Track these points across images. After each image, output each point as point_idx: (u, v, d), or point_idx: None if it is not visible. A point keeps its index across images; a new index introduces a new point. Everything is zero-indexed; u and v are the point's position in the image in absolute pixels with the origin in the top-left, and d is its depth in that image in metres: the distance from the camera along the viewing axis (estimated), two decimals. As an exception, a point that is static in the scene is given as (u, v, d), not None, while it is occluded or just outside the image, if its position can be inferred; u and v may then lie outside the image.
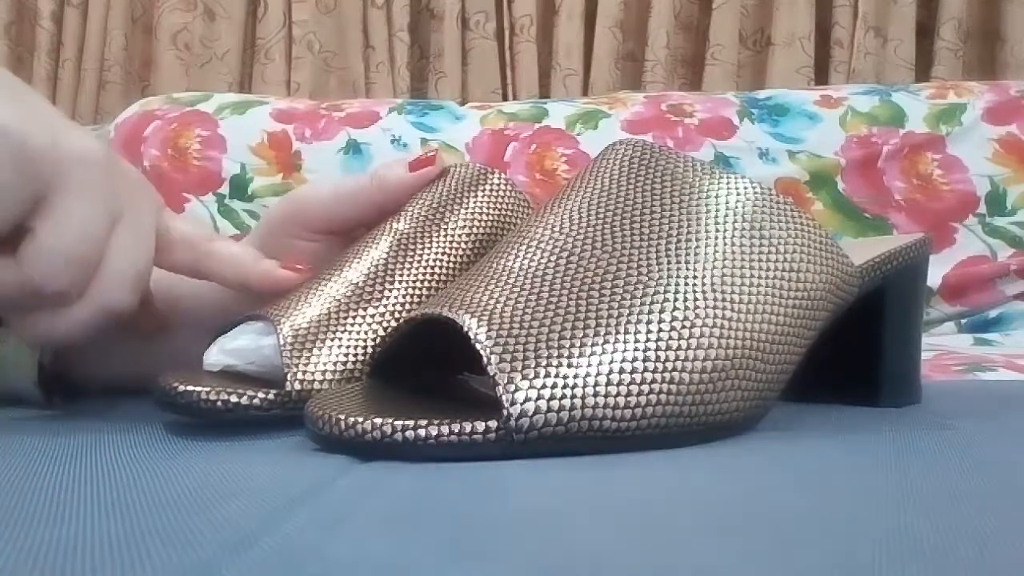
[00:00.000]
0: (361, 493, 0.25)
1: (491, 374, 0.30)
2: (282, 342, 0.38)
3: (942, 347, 0.91)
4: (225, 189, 1.23)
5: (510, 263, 0.35)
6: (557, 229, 0.36)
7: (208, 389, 0.36)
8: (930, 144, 1.18)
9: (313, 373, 0.38)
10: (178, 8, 1.64)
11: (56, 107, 0.39)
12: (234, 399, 0.36)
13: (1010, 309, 1.10)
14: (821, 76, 1.57)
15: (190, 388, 0.36)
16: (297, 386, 0.37)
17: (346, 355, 0.39)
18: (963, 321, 1.11)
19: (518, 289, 0.33)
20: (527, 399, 0.30)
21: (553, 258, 0.34)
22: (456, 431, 0.29)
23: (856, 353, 0.42)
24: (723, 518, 0.22)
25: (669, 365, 0.32)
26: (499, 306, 0.32)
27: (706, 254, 0.35)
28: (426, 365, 0.37)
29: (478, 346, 0.31)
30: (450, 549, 0.19)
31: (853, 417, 0.40)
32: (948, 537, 0.20)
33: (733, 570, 0.18)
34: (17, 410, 0.44)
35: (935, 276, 1.10)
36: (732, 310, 0.34)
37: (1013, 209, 1.15)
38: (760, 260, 0.35)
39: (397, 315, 0.40)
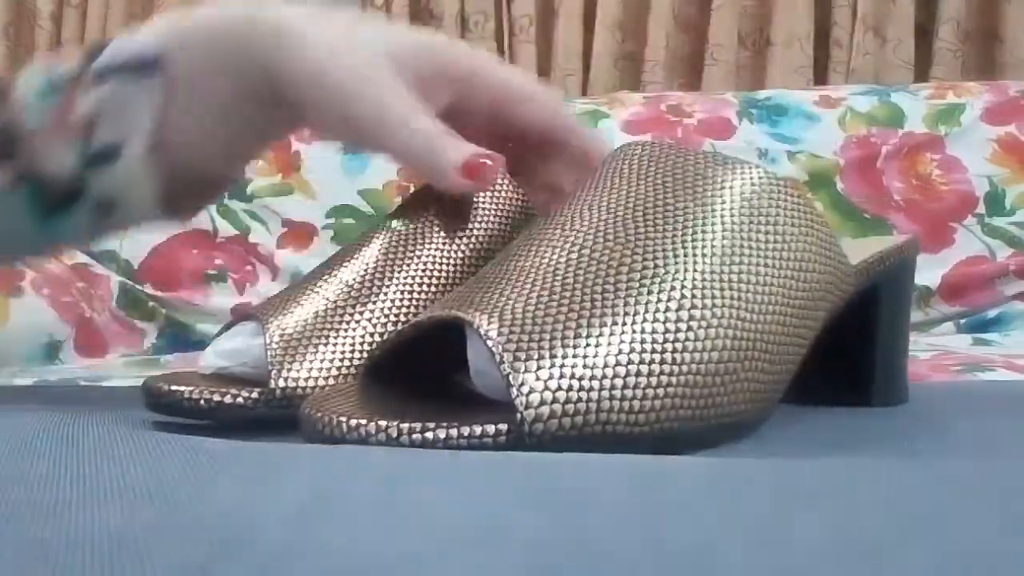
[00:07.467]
0: (359, 488, 0.25)
1: (504, 373, 0.30)
2: (268, 341, 0.38)
3: (941, 347, 0.91)
4: (225, 189, 1.23)
5: (520, 263, 0.34)
6: (567, 227, 0.35)
7: (191, 389, 0.37)
8: (929, 144, 1.18)
9: (299, 372, 0.38)
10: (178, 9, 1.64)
11: None
12: (216, 398, 0.37)
13: (1009, 309, 1.10)
14: (820, 76, 1.57)
15: (174, 388, 0.37)
16: (281, 383, 0.37)
17: (334, 355, 0.39)
18: (962, 321, 1.11)
19: (529, 286, 0.32)
20: (542, 402, 0.29)
21: (564, 254, 0.34)
22: (466, 434, 0.28)
23: (839, 358, 0.42)
24: (720, 516, 0.22)
25: (679, 357, 0.31)
26: (510, 303, 0.32)
27: (722, 247, 0.34)
28: (420, 368, 0.37)
29: (489, 343, 0.30)
30: (451, 540, 0.19)
31: (850, 419, 0.40)
32: (946, 536, 0.21)
33: (729, 571, 0.18)
34: (9, 410, 0.44)
35: (934, 276, 1.10)
36: (744, 301, 0.33)
37: (1012, 209, 1.15)
38: (772, 255, 0.35)
39: (390, 315, 0.40)
